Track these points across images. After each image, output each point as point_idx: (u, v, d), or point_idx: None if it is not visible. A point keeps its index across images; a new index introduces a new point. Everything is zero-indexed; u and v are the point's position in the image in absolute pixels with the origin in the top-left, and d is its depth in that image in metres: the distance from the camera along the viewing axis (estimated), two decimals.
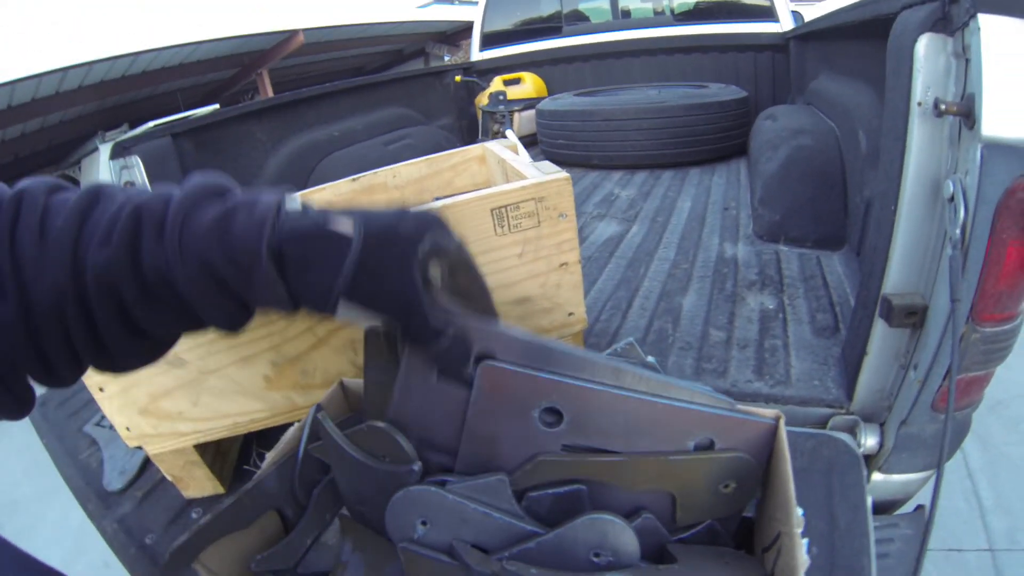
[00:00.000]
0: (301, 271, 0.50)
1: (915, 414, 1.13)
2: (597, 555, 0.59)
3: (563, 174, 1.00)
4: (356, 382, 0.82)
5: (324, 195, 1.49)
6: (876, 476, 1.22)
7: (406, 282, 0.51)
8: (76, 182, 9.28)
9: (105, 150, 8.37)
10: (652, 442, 0.61)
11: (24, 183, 0.52)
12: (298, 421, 0.77)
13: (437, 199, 1.60)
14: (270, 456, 0.74)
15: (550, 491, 0.62)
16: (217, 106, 9.44)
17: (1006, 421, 2.88)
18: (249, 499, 0.69)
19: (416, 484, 0.62)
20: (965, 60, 0.93)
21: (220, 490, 1.24)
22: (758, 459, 0.66)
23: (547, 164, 1.09)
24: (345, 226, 0.51)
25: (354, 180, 1.52)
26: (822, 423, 1.25)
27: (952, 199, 0.94)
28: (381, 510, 0.64)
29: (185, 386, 1.02)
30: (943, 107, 0.93)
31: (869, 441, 1.19)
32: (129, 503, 1.29)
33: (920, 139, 1.01)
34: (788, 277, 1.79)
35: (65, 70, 7.22)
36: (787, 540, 0.56)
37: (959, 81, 0.95)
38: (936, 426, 1.14)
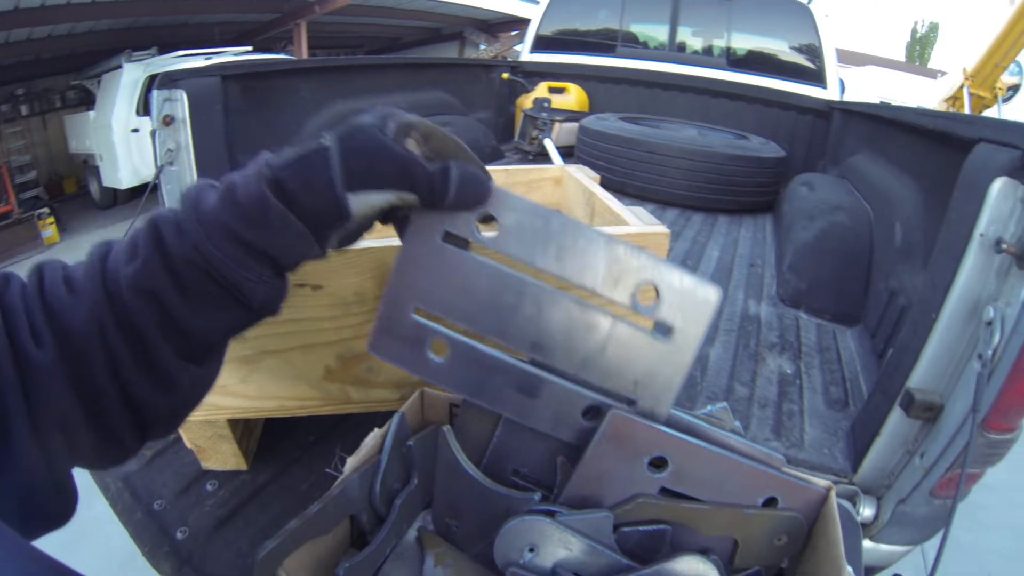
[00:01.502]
0: (302, 189, 0.52)
1: (914, 496, 1.27)
2: None
3: (664, 228, 1.04)
4: (436, 393, 0.83)
5: None
6: (865, 543, 1.36)
7: (391, 151, 0.53)
8: (92, 95, 9.16)
9: (130, 69, 8.38)
10: (731, 494, 0.68)
11: (38, 263, 0.56)
12: (377, 427, 0.78)
13: None
14: (351, 461, 0.74)
15: (640, 528, 0.70)
16: (250, 48, 9.38)
17: (964, 507, 3.01)
18: (333, 505, 0.70)
19: (529, 512, 0.67)
20: None
21: (243, 466, 1.22)
22: (808, 519, 0.78)
23: (643, 212, 1.14)
24: (321, 139, 0.53)
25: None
26: None
27: (990, 323, 1.08)
28: (473, 528, 0.70)
29: (237, 361, 0.99)
30: (1004, 246, 1.07)
31: (866, 512, 1.33)
32: (136, 462, 1.23)
33: (973, 265, 1.15)
34: (806, 345, 1.92)
35: None
36: None
37: (1020, 224, 1.09)
38: (928, 509, 1.28)
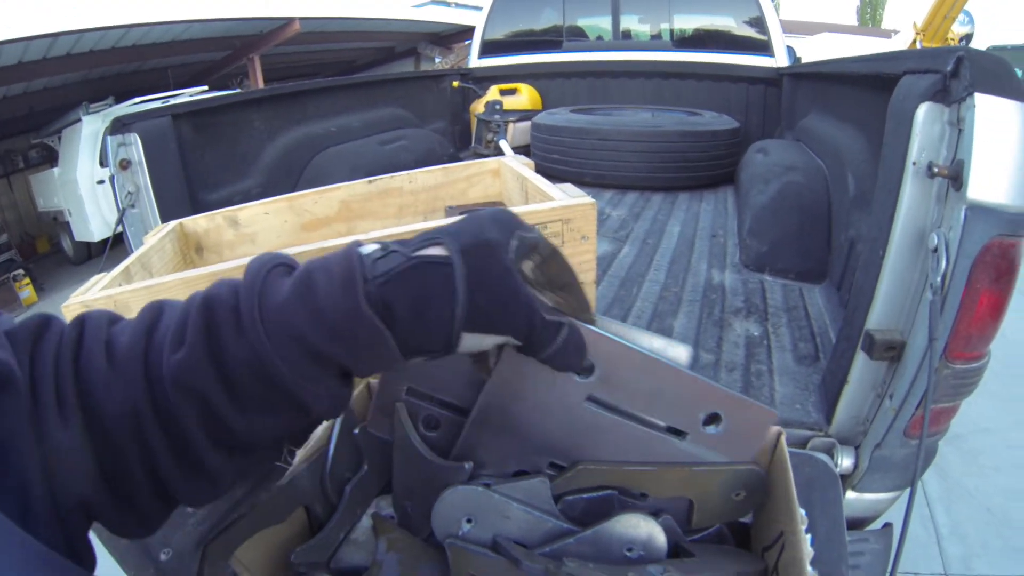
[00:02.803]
0: (412, 314, 0.46)
1: (888, 439, 1.24)
2: (630, 550, 0.64)
3: (589, 199, 1.06)
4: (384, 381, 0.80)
5: (339, 194, 1.54)
6: (850, 494, 1.33)
7: (517, 291, 0.47)
8: (55, 152, 9.13)
9: (89, 122, 8.34)
10: (669, 410, 0.65)
11: (85, 313, 0.50)
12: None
13: (450, 208, 1.67)
14: (301, 453, 0.73)
15: (584, 495, 0.68)
16: (206, 87, 9.38)
17: (964, 454, 3.06)
18: (283, 495, 0.69)
19: (464, 483, 0.67)
20: (959, 130, 1.05)
21: None
22: (762, 464, 0.76)
23: (571, 187, 1.15)
24: (437, 249, 0.47)
25: (370, 182, 1.56)
26: (802, 444, 1.36)
27: (936, 250, 1.06)
28: (426, 506, 0.68)
29: None
30: (936, 169, 1.06)
31: (845, 462, 1.30)
32: None
33: (911, 194, 1.13)
34: (772, 306, 1.90)
35: (55, 36, 7.13)
36: (791, 536, 0.64)
37: (950, 147, 1.07)
38: (907, 451, 1.25)
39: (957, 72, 1.06)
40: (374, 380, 0.83)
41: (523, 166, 1.44)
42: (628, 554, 0.65)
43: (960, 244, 1.03)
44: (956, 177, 1.03)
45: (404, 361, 0.48)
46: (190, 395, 0.45)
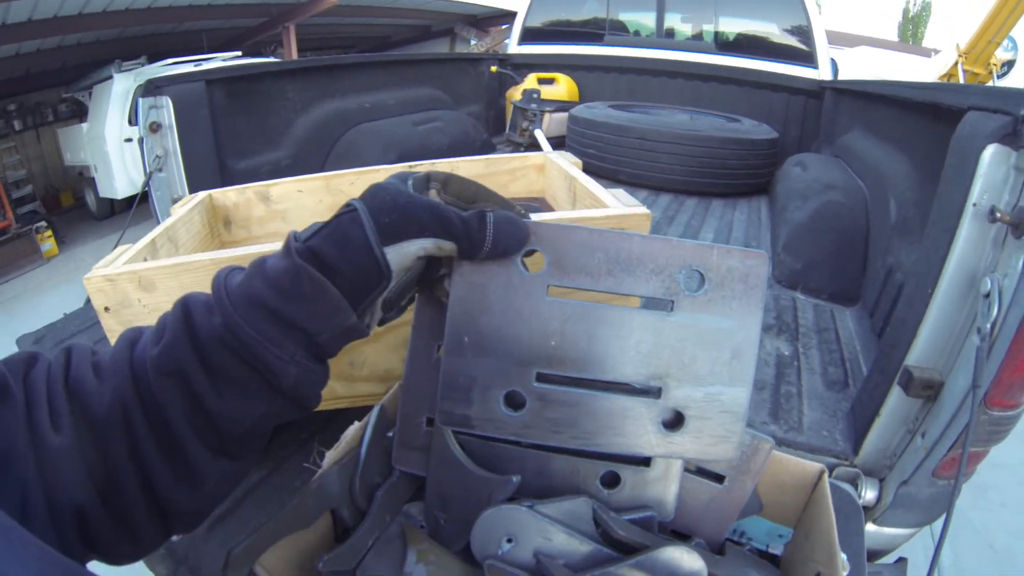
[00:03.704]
0: (337, 251, 0.52)
1: (917, 477, 1.23)
2: None
3: (644, 209, 1.04)
4: None
5: (377, 177, 1.51)
6: (869, 527, 1.32)
7: (420, 200, 0.54)
8: (84, 108, 9.16)
9: (120, 80, 8.38)
10: (639, 281, 0.61)
11: (70, 344, 0.54)
12: (357, 421, 0.78)
13: None
14: (330, 455, 0.74)
15: (625, 516, 0.68)
16: (239, 53, 9.37)
17: (972, 487, 3.02)
18: (311, 499, 0.69)
19: (506, 501, 0.66)
20: None
21: None
22: (798, 502, 0.75)
23: (623, 193, 1.13)
24: (345, 207, 0.54)
25: (411, 167, 1.55)
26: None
27: (988, 295, 1.04)
28: (460, 520, 0.68)
29: None
30: (998, 214, 1.03)
31: (868, 494, 1.29)
32: None
33: (968, 236, 1.11)
34: (803, 326, 1.88)
35: None
36: None
37: (1014, 192, 1.05)
38: (932, 490, 1.24)
39: None
40: None
41: (571, 164, 1.41)
42: None
43: (1015, 293, 1.02)
44: (1018, 225, 1.02)
45: (355, 317, 0.54)
46: (172, 379, 0.50)
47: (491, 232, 0.57)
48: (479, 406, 0.66)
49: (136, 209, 2.41)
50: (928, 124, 1.76)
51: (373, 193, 0.55)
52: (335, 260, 0.52)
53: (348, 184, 1.51)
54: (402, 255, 0.54)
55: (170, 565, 1.06)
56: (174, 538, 1.08)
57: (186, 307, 0.52)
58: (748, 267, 0.60)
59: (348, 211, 0.53)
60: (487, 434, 0.67)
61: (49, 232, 8.61)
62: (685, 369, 0.63)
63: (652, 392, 0.64)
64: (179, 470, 0.51)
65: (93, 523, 0.48)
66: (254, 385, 0.52)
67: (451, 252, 0.57)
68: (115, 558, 0.52)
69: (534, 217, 0.64)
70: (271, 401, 0.54)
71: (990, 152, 1.07)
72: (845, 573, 0.63)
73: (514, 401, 0.66)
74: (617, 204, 1.08)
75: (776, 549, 0.81)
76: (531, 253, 0.62)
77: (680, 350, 0.62)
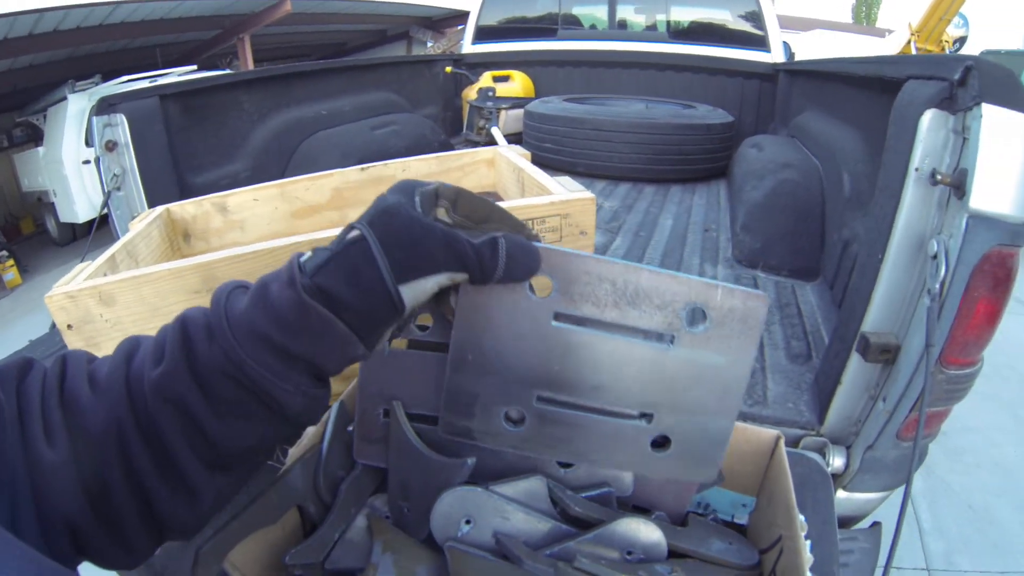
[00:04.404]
0: (348, 288, 0.50)
1: (881, 440, 1.25)
2: (630, 553, 0.65)
3: (589, 194, 1.04)
4: None
5: (331, 181, 1.52)
6: (840, 494, 1.34)
7: (433, 231, 0.51)
8: (40, 131, 9.01)
9: (75, 100, 8.24)
10: (643, 313, 0.62)
11: (65, 352, 0.53)
12: None
13: None
14: (293, 452, 0.74)
15: (582, 494, 0.69)
16: (195, 67, 9.27)
17: (948, 451, 3.10)
18: (275, 495, 0.69)
19: (463, 484, 0.67)
20: (963, 138, 1.05)
21: None
22: (759, 466, 0.77)
23: (568, 180, 1.13)
24: (351, 232, 0.51)
25: (363, 170, 1.54)
26: (794, 443, 1.36)
27: (935, 256, 1.06)
28: (423, 506, 0.68)
29: None
30: (939, 177, 1.05)
31: (836, 462, 1.31)
32: None
33: (912, 200, 1.13)
34: None
35: (41, 12, 6.99)
36: (790, 542, 0.64)
37: (954, 155, 1.08)
38: (898, 452, 1.26)
39: (965, 81, 1.06)
40: None
41: (520, 157, 1.42)
42: (628, 557, 0.65)
43: (960, 252, 1.04)
44: (959, 186, 1.04)
45: (363, 348, 0.52)
46: (170, 404, 0.49)
47: (503, 261, 0.54)
48: (480, 420, 0.67)
49: (97, 232, 2.37)
50: (874, 97, 1.78)
51: (383, 219, 0.51)
52: (344, 296, 0.50)
53: (303, 190, 1.50)
54: (417, 292, 0.53)
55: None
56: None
57: (185, 331, 0.50)
58: (748, 308, 0.62)
59: (356, 240, 0.50)
60: (487, 445, 0.68)
61: (11, 261, 8.41)
62: (677, 399, 0.64)
63: (644, 417, 0.66)
64: (176, 486, 0.50)
65: (85, 533, 0.48)
66: (257, 412, 0.51)
67: (463, 281, 0.56)
68: (108, 565, 0.52)
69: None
70: (274, 425, 0.53)
71: (928, 117, 1.10)
72: (804, 533, 0.64)
73: (514, 416, 0.67)
74: (562, 191, 1.09)
75: (741, 519, 0.82)
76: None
77: (674, 383, 0.64)
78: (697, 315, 0.62)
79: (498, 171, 1.57)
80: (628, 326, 0.63)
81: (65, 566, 0.44)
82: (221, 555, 0.62)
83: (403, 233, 0.51)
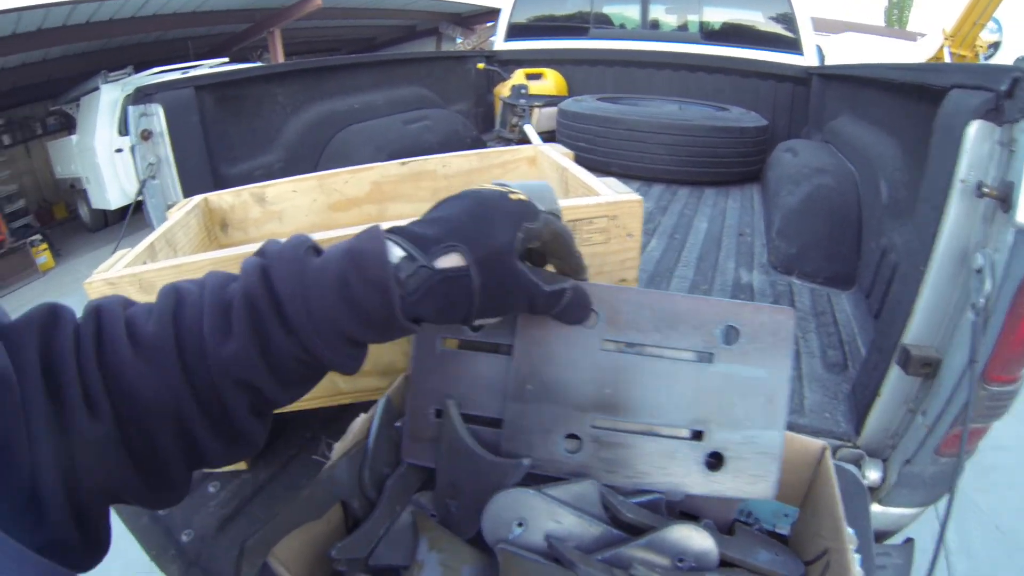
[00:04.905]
0: (437, 315, 0.54)
1: (919, 455, 1.24)
2: (681, 560, 0.65)
3: (636, 196, 1.03)
4: None
5: (371, 175, 1.52)
6: (874, 507, 1.33)
7: (521, 282, 0.56)
8: (73, 120, 9.13)
9: (107, 90, 8.37)
10: (681, 334, 0.69)
11: (97, 300, 0.52)
12: (363, 413, 0.80)
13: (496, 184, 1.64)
14: (338, 447, 0.76)
15: (633, 500, 0.69)
16: (226, 59, 9.35)
17: (976, 469, 3.04)
18: (321, 490, 0.71)
19: (516, 485, 0.67)
20: (1009, 151, 1.04)
21: (242, 466, 1.23)
22: (804, 477, 0.77)
23: (615, 181, 1.12)
24: (454, 260, 0.53)
25: (403, 164, 1.54)
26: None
27: (980, 271, 1.05)
28: (472, 506, 0.68)
29: None
30: (985, 189, 1.04)
31: (872, 475, 1.30)
32: None
33: (957, 212, 1.12)
34: (800, 310, 1.88)
35: (75, 3, 7.07)
36: (837, 555, 0.64)
37: (1000, 167, 1.06)
38: (936, 468, 1.25)
39: (1012, 92, 1.04)
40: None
41: (562, 156, 1.41)
42: (679, 565, 0.65)
43: (1007, 267, 1.02)
44: (1005, 199, 1.02)
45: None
46: (242, 386, 0.51)
47: (561, 308, 0.61)
48: (540, 448, 0.71)
49: (131, 218, 2.40)
50: (913, 104, 1.76)
51: (491, 264, 0.54)
52: (431, 319, 0.54)
53: (342, 183, 1.51)
54: (486, 321, 0.60)
55: (182, 566, 1.06)
56: (183, 538, 1.09)
57: (256, 317, 0.50)
58: (777, 322, 0.67)
59: (461, 277, 0.53)
60: (547, 474, 0.71)
61: (44, 245, 8.61)
62: (724, 414, 0.69)
63: (695, 435, 0.70)
64: (230, 441, 0.53)
65: (126, 490, 0.48)
66: (318, 380, 0.57)
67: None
68: (147, 506, 0.53)
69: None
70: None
71: (974, 128, 1.08)
72: (853, 547, 0.63)
73: (571, 447, 0.71)
74: (609, 192, 1.07)
75: (783, 529, 0.82)
76: None
77: (720, 397, 0.69)
78: (731, 332, 0.68)
79: (540, 169, 1.56)
80: (670, 346, 0.68)
81: (96, 520, 0.47)
82: (266, 549, 0.63)
83: (503, 282, 0.55)
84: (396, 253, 0.52)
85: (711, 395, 0.69)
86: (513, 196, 0.58)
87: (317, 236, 1.04)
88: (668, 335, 0.68)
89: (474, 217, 0.55)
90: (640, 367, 0.69)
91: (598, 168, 3.21)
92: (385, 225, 0.55)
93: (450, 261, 0.53)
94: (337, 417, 1.30)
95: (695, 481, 0.70)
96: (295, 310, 0.50)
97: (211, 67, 8.62)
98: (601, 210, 1.02)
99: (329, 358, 0.52)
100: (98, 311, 0.50)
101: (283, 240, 0.56)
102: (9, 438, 0.41)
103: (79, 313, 0.51)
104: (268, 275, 0.51)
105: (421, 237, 0.54)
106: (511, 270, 0.55)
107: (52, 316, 0.48)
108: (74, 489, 0.44)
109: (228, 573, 1.02)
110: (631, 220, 1.03)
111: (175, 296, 0.52)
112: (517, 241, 0.55)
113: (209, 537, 1.10)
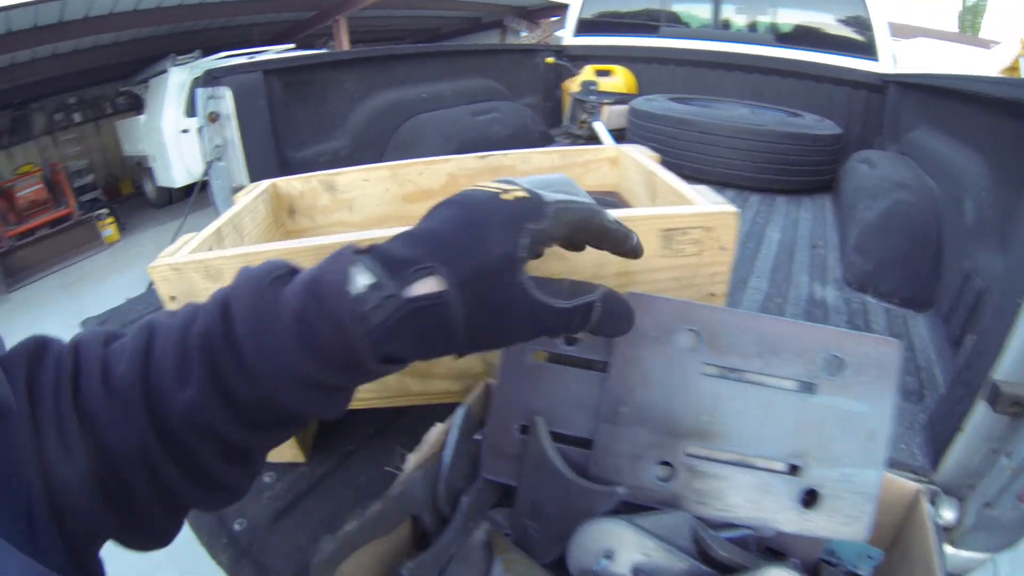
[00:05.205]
0: (414, 351, 0.46)
1: (1001, 499, 1.18)
2: None
3: (732, 207, 0.96)
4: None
5: (447, 167, 1.48)
6: (946, 549, 1.27)
7: (524, 303, 0.47)
8: (141, 100, 9.40)
9: (175, 73, 8.65)
10: (784, 362, 0.65)
11: (79, 335, 0.49)
12: (439, 421, 0.77)
13: None
14: (413, 458, 0.72)
15: (723, 534, 0.66)
16: (293, 45, 9.49)
17: None
18: (395, 505, 0.67)
19: (606, 513, 0.65)
20: None
21: (300, 459, 1.20)
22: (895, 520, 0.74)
23: (707, 189, 1.05)
24: (431, 285, 0.44)
25: (481, 157, 1.49)
26: None
27: None
28: (554, 530, 0.66)
29: None
30: None
31: (948, 514, 1.24)
32: None
33: None
34: (875, 331, 1.82)
35: None
36: None
37: None
38: (1015, 514, 1.18)
39: None
40: (493, 381, 0.81)
41: (649, 158, 1.36)
42: None
43: None
44: None
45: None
46: (203, 432, 0.46)
47: (594, 322, 0.51)
48: (630, 474, 0.68)
49: (195, 197, 2.44)
50: (1006, 121, 1.68)
51: (478, 282, 0.45)
52: (409, 357, 0.47)
53: (417, 174, 1.47)
54: (485, 352, 0.50)
55: (232, 555, 1.05)
56: (236, 527, 1.09)
57: (213, 361, 0.45)
58: (881, 354, 0.63)
59: (436, 306, 0.44)
60: (638, 502, 0.68)
61: (111, 219, 9.04)
62: (823, 449, 0.65)
63: (792, 469, 0.66)
64: (205, 485, 0.48)
65: (108, 532, 0.46)
66: (291, 426, 0.52)
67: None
68: (138, 550, 0.50)
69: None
70: (303, 426, 0.53)
71: None
72: None
73: (662, 474, 0.68)
74: (703, 201, 1.00)
75: (864, 570, 0.78)
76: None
77: (819, 430, 0.65)
78: (834, 363, 0.64)
79: (622, 171, 1.52)
80: (771, 374, 0.65)
81: (86, 556, 0.45)
82: (335, 566, 0.60)
83: (493, 306, 0.46)
84: (360, 282, 0.44)
85: (811, 428, 0.65)
86: (507, 195, 0.49)
87: (395, 232, 1.02)
88: (770, 361, 0.65)
89: (459, 228, 0.46)
90: (741, 395, 0.66)
91: (670, 170, 3.17)
92: (375, 236, 0.50)
93: (425, 287, 0.44)
94: (399, 416, 1.29)
95: (788, 518, 0.67)
96: (252, 352, 0.45)
97: (277, 52, 8.77)
98: (697, 220, 0.96)
99: (294, 407, 0.46)
100: (76, 349, 0.47)
101: (257, 266, 0.49)
102: (12, 468, 0.40)
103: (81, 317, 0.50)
104: (229, 312, 0.46)
105: (396, 259, 0.45)
106: (510, 289, 0.46)
107: (40, 348, 0.46)
108: (61, 527, 0.42)
109: (279, 568, 1.01)
110: (726, 233, 0.95)
111: (148, 333, 0.48)
112: (520, 249, 0.46)
113: (262, 528, 1.09)
